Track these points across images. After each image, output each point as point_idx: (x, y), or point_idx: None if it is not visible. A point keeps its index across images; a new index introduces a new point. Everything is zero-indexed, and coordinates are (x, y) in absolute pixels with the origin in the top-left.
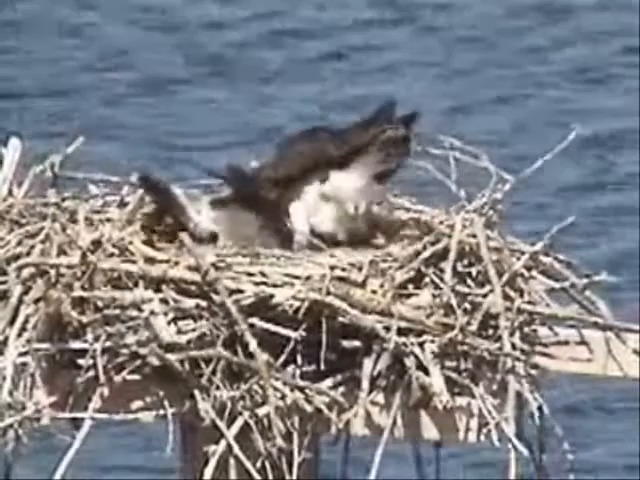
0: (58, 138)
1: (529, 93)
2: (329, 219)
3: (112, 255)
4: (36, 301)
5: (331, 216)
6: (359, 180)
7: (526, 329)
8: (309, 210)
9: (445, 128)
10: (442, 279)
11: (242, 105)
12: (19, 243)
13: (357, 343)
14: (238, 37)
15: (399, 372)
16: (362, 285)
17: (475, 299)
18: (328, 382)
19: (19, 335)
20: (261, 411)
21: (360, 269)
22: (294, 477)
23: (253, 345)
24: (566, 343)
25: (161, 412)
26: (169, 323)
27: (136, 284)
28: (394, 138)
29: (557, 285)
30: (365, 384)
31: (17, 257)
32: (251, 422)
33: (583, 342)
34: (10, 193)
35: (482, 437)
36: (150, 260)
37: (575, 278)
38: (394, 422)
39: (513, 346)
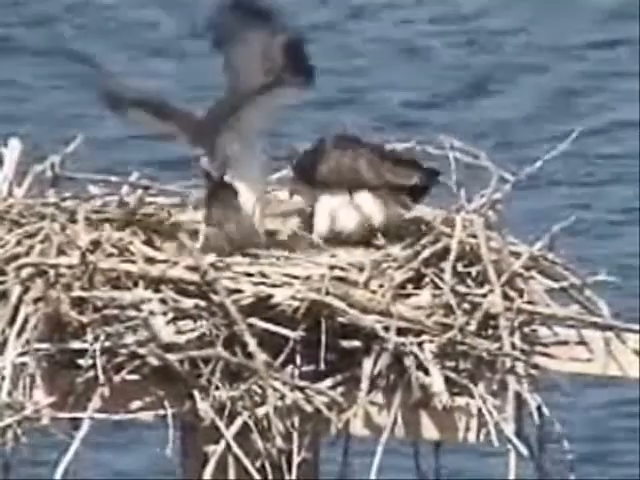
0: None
1: None
2: (352, 224)
3: (111, 255)
4: (35, 301)
5: (354, 223)
6: (385, 205)
7: (526, 329)
8: (334, 213)
9: None
10: (442, 279)
11: None
12: (18, 243)
13: (356, 343)
14: None
15: (399, 372)
16: (364, 285)
17: (475, 299)
18: (327, 382)
19: (19, 335)
20: (260, 411)
21: (361, 269)
22: (294, 477)
23: (252, 345)
24: (566, 343)
25: (161, 412)
26: (168, 323)
27: (135, 284)
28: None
29: (556, 285)
30: (364, 384)
31: (16, 257)
32: (250, 422)
33: (583, 342)
34: (10, 193)
35: (482, 437)
36: (149, 260)
37: (574, 278)
38: (394, 422)
39: (513, 346)
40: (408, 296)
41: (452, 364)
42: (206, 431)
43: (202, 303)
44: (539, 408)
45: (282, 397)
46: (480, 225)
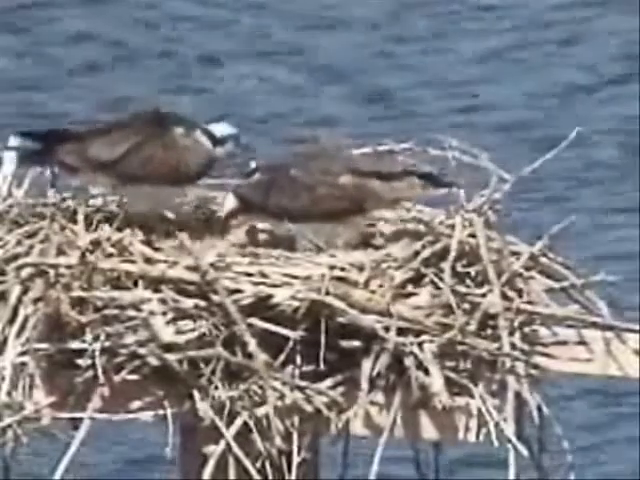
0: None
1: None
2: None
3: (111, 255)
4: (35, 301)
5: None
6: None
7: (526, 329)
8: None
9: None
10: (441, 279)
11: None
12: (18, 243)
13: (356, 343)
14: None
15: (398, 372)
16: (364, 285)
17: (474, 299)
18: (327, 382)
19: (18, 335)
20: (260, 411)
21: (360, 269)
22: (293, 477)
23: (252, 345)
24: (566, 343)
25: (160, 412)
26: (168, 323)
27: (135, 284)
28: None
29: (556, 285)
30: (364, 384)
31: (16, 257)
32: (250, 422)
33: (583, 342)
34: (10, 193)
35: (481, 437)
36: (149, 260)
37: (574, 278)
38: (393, 422)
39: (513, 346)
40: (408, 296)
41: (452, 364)
42: (206, 431)
43: (202, 303)
44: (539, 408)
45: (282, 397)
46: (480, 225)
